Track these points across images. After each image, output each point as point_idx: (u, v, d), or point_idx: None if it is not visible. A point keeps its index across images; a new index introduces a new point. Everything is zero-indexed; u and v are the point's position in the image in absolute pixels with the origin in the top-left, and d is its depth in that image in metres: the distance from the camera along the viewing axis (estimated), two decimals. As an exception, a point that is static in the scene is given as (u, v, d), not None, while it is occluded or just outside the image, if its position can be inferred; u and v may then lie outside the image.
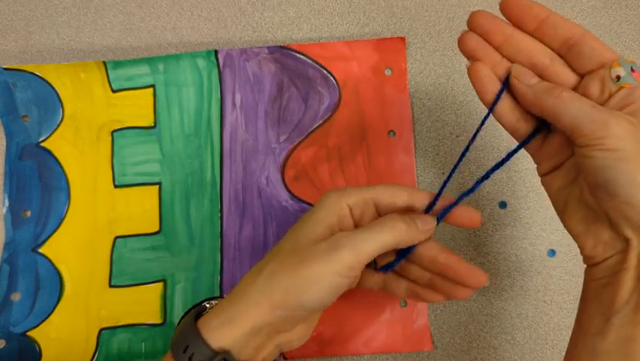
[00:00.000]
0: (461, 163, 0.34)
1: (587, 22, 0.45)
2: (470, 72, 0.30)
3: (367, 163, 0.42)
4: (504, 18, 0.29)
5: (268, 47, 0.44)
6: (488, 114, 0.30)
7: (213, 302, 0.32)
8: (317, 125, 0.43)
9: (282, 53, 0.44)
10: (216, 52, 0.44)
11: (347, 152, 0.42)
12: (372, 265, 0.34)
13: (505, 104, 0.30)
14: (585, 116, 0.25)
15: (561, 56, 0.28)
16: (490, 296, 0.41)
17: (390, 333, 0.40)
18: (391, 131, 0.43)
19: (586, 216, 0.28)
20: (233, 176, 0.42)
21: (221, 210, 0.42)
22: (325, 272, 0.28)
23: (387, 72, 0.43)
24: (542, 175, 0.31)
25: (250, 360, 0.29)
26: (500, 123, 0.30)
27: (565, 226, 0.29)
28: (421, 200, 0.32)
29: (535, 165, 0.31)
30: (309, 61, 0.43)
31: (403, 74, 0.43)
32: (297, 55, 0.43)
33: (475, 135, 0.31)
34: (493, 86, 0.29)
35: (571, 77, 0.28)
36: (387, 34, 0.45)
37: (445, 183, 0.32)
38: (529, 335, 0.40)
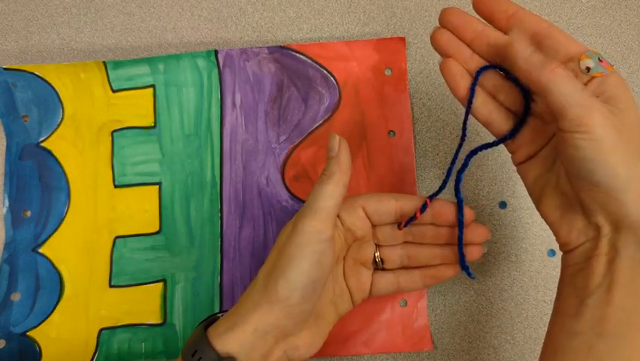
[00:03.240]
0: (461, 163, 0.34)
1: (587, 23, 0.45)
2: (442, 69, 0.31)
3: (367, 163, 0.42)
4: (477, 15, 0.30)
5: (268, 47, 0.44)
6: (468, 110, 0.31)
7: (225, 312, 0.33)
8: (317, 125, 0.43)
9: (282, 53, 0.44)
10: (216, 52, 0.44)
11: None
12: (397, 226, 0.35)
13: (478, 97, 0.31)
14: (574, 98, 0.25)
15: None
16: (490, 296, 0.41)
17: (390, 333, 0.40)
18: (391, 131, 0.43)
19: (561, 204, 0.29)
20: (233, 176, 0.42)
21: (221, 210, 0.42)
22: (297, 246, 0.29)
23: (387, 72, 0.43)
24: (517, 164, 0.32)
25: None
26: (474, 117, 0.32)
27: (540, 214, 0.30)
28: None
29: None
30: (309, 61, 0.43)
31: (403, 74, 0.43)
32: (297, 55, 0.43)
33: (463, 135, 0.33)
34: (465, 82, 0.31)
35: None
36: (387, 34, 0.45)
37: (443, 185, 0.33)
38: (529, 335, 0.40)
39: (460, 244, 0.33)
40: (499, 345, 0.41)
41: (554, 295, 0.41)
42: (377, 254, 0.36)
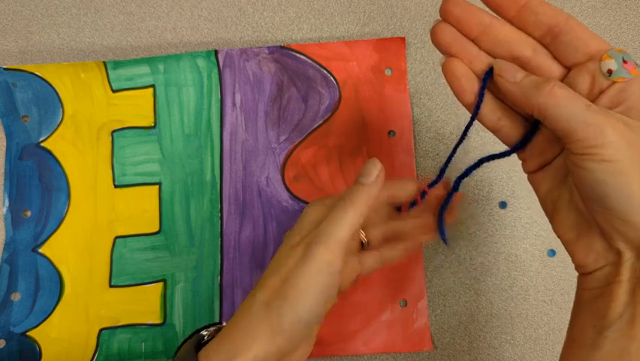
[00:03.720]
0: (459, 162, 0.34)
1: (587, 23, 0.45)
2: (445, 70, 0.27)
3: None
4: (482, 5, 0.26)
5: (268, 47, 0.44)
6: (473, 118, 0.28)
7: (211, 329, 0.31)
8: (317, 125, 0.43)
9: (282, 53, 0.44)
10: (216, 52, 0.44)
11: (347, 152, 0.42)
12: (397, 209, 0.35)
13: (486, 103, 0.27)
14: (579, 118, 0.23)
15: (545, 46, 0.26)
16: (490, 296, 0.41)
17: (390, 333, 0.40)
18: (391, 131, 0.43)
19: (577, 222, 0.26)
20: (233, 176, 0.42)
21: (221, 210, 0.42)
22: (307, 277, 0.27)
23: (387, 72, 0.43)
24: (528, 173, 0.29)
25: None
26: (481, 123, 0.28)
27: (554, 231, 0.27)
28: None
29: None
30: (309, 61, 0.43)
31: (403, 74, 0.43)
32: (297, 55, 0.43)
33: (462, 138, 0.30)
34: (472, 85, 0.27)
35: (556, 70, 0.26)
36: (387, 34, 0.45)
37: (443, 170, 0.32)
38: (529, 335, 0.40)
39: (442, 215, 0.33)
40: (499, 345, 0.40)
41: (554, 296, 0.41)
42: (363, 235, 0.34)
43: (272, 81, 0.43)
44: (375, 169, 0.29)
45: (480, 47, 0.27)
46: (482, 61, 0.27)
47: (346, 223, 0.28)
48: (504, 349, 0.40)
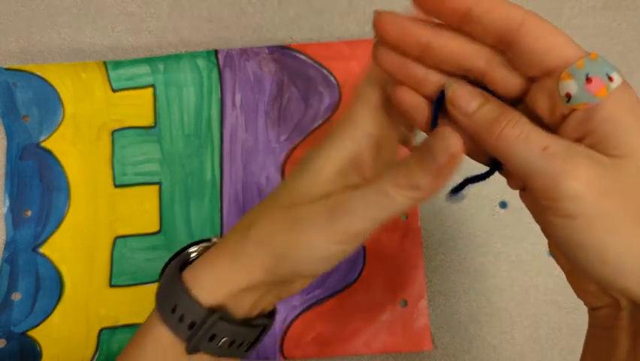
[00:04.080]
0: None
1: (587, 23, 0.45)
2: (395, 104, 0.23)
3: None
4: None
5: (268, 47, 0.44)
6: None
7: (200, 246, 0.28)
8: (317, 125, 0.43)
9: (282, 52, 0.44)
10: (216, 52, 0.44)
11: None
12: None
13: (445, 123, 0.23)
14: (533, 166, 0.19)
15: (502, 54, 0.21)
16: (490, 296, 0.41)
17: (390, 333, 0.40)
18: (391, 131, 0.43)
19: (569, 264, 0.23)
20: (234, 176, 0.42)
21: (221, 210, 0.42)
22: (323, 241, 0.23)
23: (388, 72, 0.43)
24: (516, 189, 0.25)
25: (247, 315, 0.25)
26: None
27: (552, 255, 0.25)
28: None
29: None
30: (309, 61, 0.43)
31: (403, 74, 0.43)
32: (297, 55, 0.43)
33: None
34: (425, 115, 0.23)
35: (515, 85, 0.21)
36: (387, 34, 0.45)
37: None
38: (529, 335, 0.40)
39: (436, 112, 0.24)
40: (499, 345, 0.40)
41: (554, 296, 0.41)
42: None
43: (272, 81, 0.43)
44: (448, 143, 0.20)
45: (427, 66, 0.22)
46: (432, 82, 0.22)
47: (392, 209, 0.22)
48: (504, 349, 0.40)
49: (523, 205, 0.42)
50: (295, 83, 0.43)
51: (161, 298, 0.25)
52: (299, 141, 0.43)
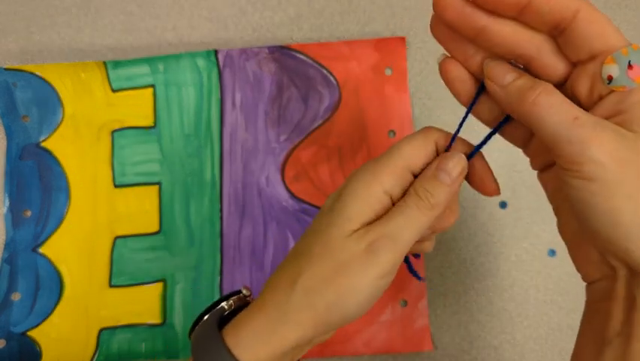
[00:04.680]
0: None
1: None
2: (440, 71, 0.26)
3: None
4: None
5: (268, 47, 0.44)
6: (465, 118, 0.26)
7: (232, 300, 0.28)
8: (317, 125, 0.43)
9: (282, 52, 0.44)
10: (216, 52, 0.44)
11: (347, 152, 0.42)
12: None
13: (483, 102, 0.26)
14: (563, 132, 0.21)
15: (554, 39, 0.23)
16: (490, 296, 0.41)
17: (390, 333, 0.40)
18: (391, 131, 0.43)
19: (577, 230, 0.25)
20: (233, 176, 0.42)
21: (221, 210, 0.42)
22: (366, 279, 0.24)
23: (388, 72, 0.43)
24: (537, 170, 0.27)
25: None
26: (480, 121, 0.27)
27: (559, 232, 0.27)
28: (444, 142, 0.27)
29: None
30: (309, 61, 0.43)
31: (403, 73, 0.43)
32: (297, 55, 0.43)
33: (457, 131, 0.27)
34: (466, 88, 0.25)
35: (560, 69, 0.23)
36: (387, 34, 0.45)
37: (461, 124, 0.27)
38: (529, 335, 0.40)
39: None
40: (499, 345, 0.40)
41: (554, 296, 0.41)
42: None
43: (272, 81, 0.43)
44: (459, 164, 0.25)
45: (479, 47, 0.24)
46: (478, 61, 0.25)
47: (419, 226, 0.25)
48: (504, 349, 0.40)
49: (523, 205, 0.42)
50: (295, 83, 0.43)
51: (200, 357, 0.25)
52: (299, 141, 0.43)
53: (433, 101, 0.44)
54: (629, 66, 0.20)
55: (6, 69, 0.43)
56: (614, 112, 0.21)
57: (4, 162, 0.43)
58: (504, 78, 0.23)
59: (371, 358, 0.41)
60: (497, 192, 0.27)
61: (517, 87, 0.22)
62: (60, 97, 0.43)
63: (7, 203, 0.42)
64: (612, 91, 0.21)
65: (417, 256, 0.33)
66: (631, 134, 0.21)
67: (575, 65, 0.23)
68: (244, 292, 0.29)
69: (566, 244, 0.26)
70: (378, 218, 0.25)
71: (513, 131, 0.26)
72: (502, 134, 0.27)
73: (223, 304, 0.28)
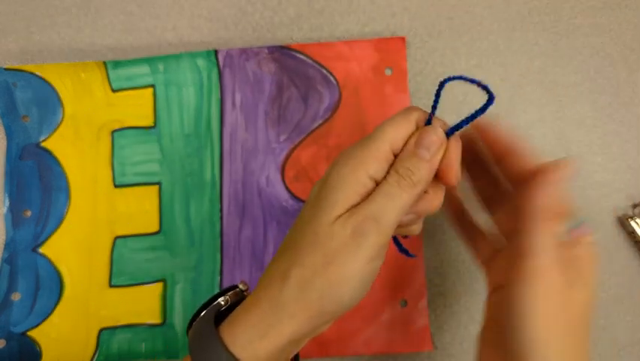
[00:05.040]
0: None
1: (587, 23, 0.45)
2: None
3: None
4: None
5: (268, 47, 0.44)
6: (438, 92, 0.29)
7: (229, 295, 0.29)
8: (317, 125, 0.43)
9: (282, 52, 0.44)
10: (216, 52, 0.44)
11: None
12: None
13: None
14: (540, 249, 0.25)
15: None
16: (490, 296, 0.41)
17: (390, 333, 0.40)
18: (391, 131, 0.43)
19: (492, 341, 0.28)
20: (233, 176, 0.42)
21: (221, 210, 0.42)
22: (356, 265, 0.25)
23: (388, 72, 0.43)
24: (489, 290, 0.30)
25: None
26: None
27: (478, 342, 0.30)
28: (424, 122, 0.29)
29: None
30: (309, 61, 0.43)
31: (403, 74, 0.43)
32: (297, 55, 0.43)
33: (434, 107, 0.29)
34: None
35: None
36: (387, 34, 0.45)
37: (436, 101, 0.30)
38: (529, 335, 0.40)
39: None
40: (499, 345, 0.40)
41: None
42: None
43: (272, 81, 0.43)
44: (437, 139, 0.27)
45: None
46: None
47: (402, 205, 0.25)
48: (504, 349, 0.40)
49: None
50: (295, 83, 0.43)
51: (196, 354, 0.25)
52: (299, 141, 0.43)
53: (432, 101, 0.44)
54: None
55: (6, 69, 0.43)
56: (566, 259, 0.26)
57: (4, 162, 0.43)
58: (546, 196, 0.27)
59: (371, 358, 0.41)
60: (454, 182, 0.27)
61: (547, 201, 0.27)
62: (60, 97, 0.43)
63: (7, 203, 0.42)
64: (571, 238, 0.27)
65: (405, 237, 0.33)
66: (572, 280, 0.26)
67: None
68: (240, 286, 0.29)
69: (478, 347, 0.29)
70: (362, 201, 0.26)
71: (480, 246, 0.32)
72: (470, 249, 0.33)
73: (220, 299, 0.28)
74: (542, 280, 0.25)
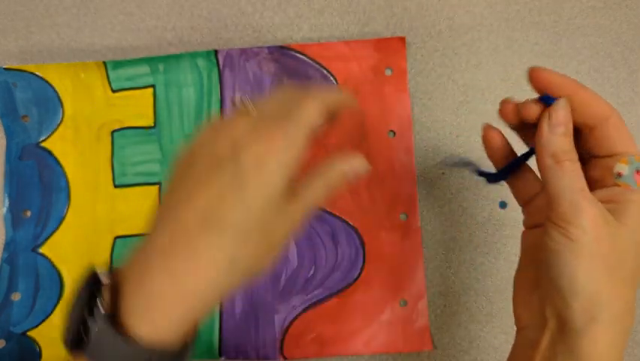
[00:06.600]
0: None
1: (587, 23, 0.45)
2: (484, 138, 0.30)
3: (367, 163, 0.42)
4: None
5: (268, 47, 0.44)
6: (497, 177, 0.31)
7: (102, 276, 0.26)
8: (317, 125, 0.43)
9: (282, 52, 0.44)
10: (216, 52, 0.44)
11: (347, 152, 0.42)
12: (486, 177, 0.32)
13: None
14: (569, 195, 0.25)
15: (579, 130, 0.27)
16: (491, 296, 0.41)
17: (390, 333, 0.40)
18: (391, 131, 0.43)
19: (531, 277, 0.28)
20: (233, 176, 0.42)
21: (221, 210, 0.42)
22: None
23: (388, 72, 0.43)
24: (526, 228, 0.31)
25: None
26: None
27: (515, 278, 0.30)
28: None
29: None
30: (309, 61, 0.43)
31: (403, 74, 0.43)
32: (297, 55, 0.43)
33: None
34: (501, 155, 0.30)
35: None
36: (387, 34, 0.45)
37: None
38: (529, 335, 0.40)
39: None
40: (499, 345, 0.40)
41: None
42: None
43: (272, 81, 0.43)
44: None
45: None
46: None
47: (305, 126, 0.30)
48: (504, 349, 0.40)
49: (523, 205, 0.42)
50: (295, 84, 0.43)
51: (97, 355, 0.23)
52: (299, 141, 0.43)
53: (433, 101, 0.44)
54: (637, 171, 0.26)
55: (6, 69, 0.43)
56: (610, 200, 0.26)
57: (3, 162, 0.43)
58: (558, 128, 0.26)
59: (371, 358, 0.41)
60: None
61: (559, 141, 0.26)
62: (60, 97, 0.43)
63: (7, 203, 0.42)
64: (616, 185, 0.26)
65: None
66: (615, 223, 0.25)
67: (590, 156, 0.27)
68: (99, 270, 0.25)
69: (515, 287, 0.30)
70: None
71: (522, 186, 0.30)
72: (512, 188, 0.31)
73: (98, 301, 0.25)
74: (581, 226, 0.24)
